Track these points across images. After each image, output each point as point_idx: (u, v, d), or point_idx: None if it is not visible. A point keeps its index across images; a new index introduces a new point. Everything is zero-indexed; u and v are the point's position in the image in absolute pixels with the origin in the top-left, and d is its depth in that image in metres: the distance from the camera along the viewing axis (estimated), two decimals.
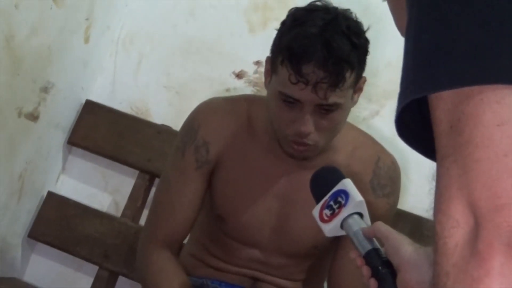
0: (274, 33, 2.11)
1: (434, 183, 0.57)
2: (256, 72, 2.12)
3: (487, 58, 0.54)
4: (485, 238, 0.51)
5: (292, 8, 1.51)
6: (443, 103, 0.56)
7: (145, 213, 2.07)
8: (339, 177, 1.24)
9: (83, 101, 2.16)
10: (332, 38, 1.40)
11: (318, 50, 1.40)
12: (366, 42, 1.48)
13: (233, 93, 2.13)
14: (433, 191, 0.57)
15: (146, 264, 1.64)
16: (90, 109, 2.15)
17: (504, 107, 0.53)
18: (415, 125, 0.61)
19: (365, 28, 1.49)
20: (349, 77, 1.44)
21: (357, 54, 1.44)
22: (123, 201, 2.11)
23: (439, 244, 0.54)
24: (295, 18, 1.47)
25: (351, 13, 1.49)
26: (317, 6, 1.48)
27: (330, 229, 1.21)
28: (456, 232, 0.53)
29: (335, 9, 1.48)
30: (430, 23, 0.58)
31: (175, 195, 1.63)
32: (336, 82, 1.42)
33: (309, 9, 1.48)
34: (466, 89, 0.54)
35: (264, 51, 2.12)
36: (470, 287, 0.51)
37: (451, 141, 0.55)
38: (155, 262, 1.61)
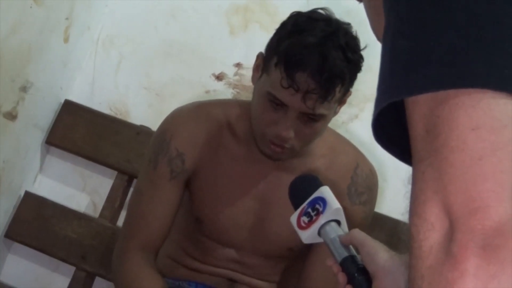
0: (254, 36, 2.12)
1: (410, 187, 0.57)
2: (236, 74, 2.12)
3: (462, 63, 0.55)
4: (459, 241, 0.52)
5: (293, 12, 1.51)
6: (419, 107, 0.57)
7: (123, 214, 2.06)
8: (317, 184, 1.25)
9: (62, 101, 2.15)
10: (329, 52, 1.41)
11: (314, 61, 1.41)
12: (360, 58, 1.49)
13: (213, 95, 2.13)
14: (408, 195, 0.58)
15: (121, 272, 1.63)
16: (69, 109, 2.14)
17: (479, 111, 0.53)
18: (392, 129, 0.61)
19: (362, 45, 1.50)
20: (339, 91, 1.46)
21: (350, 70, 1.46)
22: (101, 202, 2.11)
23: (414, 247, 0.55)
24: (297, 23, 1.47)
25: (351, 27, 1.49)
26: (320, 15, 1.49)
27: (308, 236, 1.21)
28: (431, 235, 0.54)
29: (337, 22, 1.48)
30: (407, 29, 0.59)
31: (148, 208, 1.63)
32: (326, 95, 1.43)
33: (311, 17, 1.48)
34: (441, 93, 0.55)
35: (244, 53, 2.13)
36: None
37: (427, 145, 0.56)
38: (130, 270, 1.61)
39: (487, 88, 0.53)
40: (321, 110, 1.45)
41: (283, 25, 1.51)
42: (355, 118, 2.07)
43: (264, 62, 1.51)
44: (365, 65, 2.01)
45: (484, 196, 0.52)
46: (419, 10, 0.58)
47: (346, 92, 1.51)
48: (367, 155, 1.71)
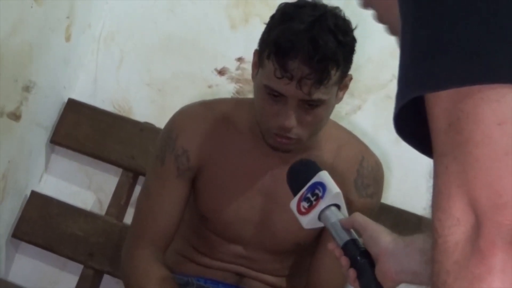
0: (255, 29, 2.11)
1: (432, 181, 0.57)
2: (238, 68, 2.12)
3: (486, 56, 0.54)
4: (486, 236, 0.51)
5: (281, 3, 1.52)
6: (442, 101, 0.56)
7: (129, 211, 2.06)
8: (316, 169, 1.26)
9: (65, 100, 2.14)
10: (318, 35, 1.41)
11: (304, 46, 1.41)
12: (353, 40, 1.49)
13: (215, 90, 2.13)
14: (431, 189, 0.57)
15: (130, 269, 1.64)
16: (73, 107, 2.14)
17: (504, 106, 0.53)
18: (412, 122, 0.61)
19: (353, 26, 1.50)
20: (334, 74, 1.45)
21: (343, 52, 1.45)
22: (107, 199, 2.11)
23: (439, 242, 0.54)
24: (284, 13, 1.48)
25: (340, 11, 1.49)
26: (306, 2, 1.49)
27: (308, 221, 1.22)
28: (456, 230, 0.53)
29: (324, 6, 1.48)
30: (427, 20, 0.57)
31: (156, 204, 1.64)
32: (321, 79, 1.43)
33: (298, 5, 1.48)
34: (465, 88, 0.54)
35: (246, 47, 2.13)
36: (471, 285, 0.51)
37: (450, 139, 0.55)
38: (139, 266, 1.61)
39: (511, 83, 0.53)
40: (318, 95, 1.45)
41: (272, 17, 1.51)
42: (357, 109, 2.07)
43: (258, 57, 1.52)
44: (365, 56, 2.02)
45: (510, 191, 0.52)
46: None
47: (343, 76, 1.50)
48: (370, 146, 1.72)
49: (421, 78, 0.57)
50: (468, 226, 0.53)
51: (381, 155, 1.74)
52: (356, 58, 1.94)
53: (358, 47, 1.85)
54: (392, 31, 0.72)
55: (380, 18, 0.75)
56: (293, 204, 1.24)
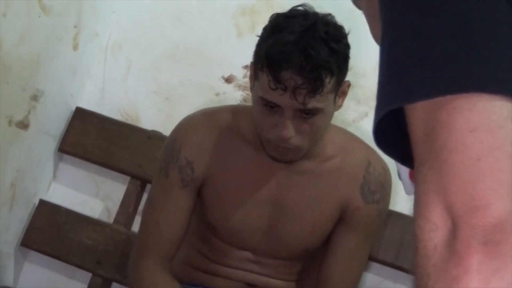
0: None
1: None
2: (245, 76, 2.12)
3: (457, 68, 0.56)
4: (462, 238, 0.54)
5: (273, 14, 1.52)
6: (418, 112, 0.58)
7: (137, 219, 2.07)
8: None
9: (73, 109, 2.16)
10: (309, 45, 1.41)
11: (295, 57, 1.41)
12: (346, 47, 1.49)
13: (222, 98, 2.13)
14: (412, 197, 0.59)
15: (137, 280, 1.64)
16: (80, 116, 2.15)
17: (476, 113, 0.55)
18: (392, 134, 0.63)
19: (346, 32, 1.50)
20: (329, 82, 1.45)
21: (336, 60, 1.45)
22: (115, 207, 2.12)
23: (419, 247, 0.56)
24: (275, 24, 1.48)
25: (332, 18, 1.49)
26: (297, 12, 1.49)
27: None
28: (435, 235, 0.55)
29: (315, 14, 1.48)
30: (402, 36, 0.60)
31: (161, 216, 1.64)
32: (314, 88, 1.43)
33: (288, 15, 1.48)
34: (439, 99, 0.57)
35: (252, 55, 2.13)
36: (450, 286, 0.53)
37: (427, 148, 0.57)
38: (146, 277, 1.62)
39: (482, 91, 0.55)
40: (313, 104, 1.45)
41: (264, 29, 1.52)
42: (365, 116, 2.06)
43: (254, 70, 1.52)
44: (372, 62, 2.00)
45: (484, 194, 0.54)
46: (413, 17, 0.60)
47: (339, 83, 1.50)
48: (380, 152, 1.70)
49: (396, 92, 0.60)
50: (446, 230, 0.55)
51: (389, 161, 1.73)
52: (363, 65, 1.94)
53: (364, 54, 1.84)
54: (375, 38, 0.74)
55: (367, 19, 0.77)
56: (404, 169, 1.07)
